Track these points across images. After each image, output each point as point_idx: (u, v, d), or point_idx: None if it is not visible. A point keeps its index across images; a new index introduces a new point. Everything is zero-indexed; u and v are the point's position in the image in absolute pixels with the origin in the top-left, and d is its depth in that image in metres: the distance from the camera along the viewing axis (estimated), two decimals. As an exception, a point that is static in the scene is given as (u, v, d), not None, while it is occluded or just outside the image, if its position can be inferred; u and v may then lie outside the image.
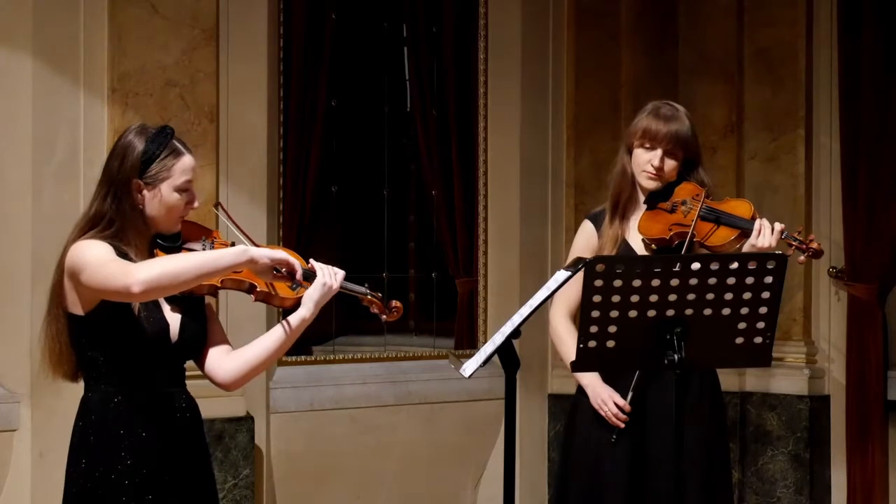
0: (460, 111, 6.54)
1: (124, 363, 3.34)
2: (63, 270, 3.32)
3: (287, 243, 5.77)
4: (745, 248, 4.11)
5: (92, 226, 3.33)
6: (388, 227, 6.54)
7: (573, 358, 3.78)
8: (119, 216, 3.31)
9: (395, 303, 3.54)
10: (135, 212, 3.33)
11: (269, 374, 5.73)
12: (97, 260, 3.22)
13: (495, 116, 6.52)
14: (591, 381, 4.25)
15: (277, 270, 3.33)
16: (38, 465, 5.11)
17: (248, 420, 5.50)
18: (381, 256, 6.52)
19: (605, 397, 4.21)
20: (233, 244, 3.45)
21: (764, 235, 4.08)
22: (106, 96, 5.18)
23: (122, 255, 3.29)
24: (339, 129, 6.35)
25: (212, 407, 5.21)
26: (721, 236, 4.16)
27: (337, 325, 6.47)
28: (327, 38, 6.11)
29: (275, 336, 3.41)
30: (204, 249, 3.42)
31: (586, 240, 4.38)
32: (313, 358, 6.13)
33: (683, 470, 3.90)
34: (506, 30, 6.51)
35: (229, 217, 3.53)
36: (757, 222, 4.11)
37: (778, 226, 4.11)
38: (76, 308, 3.32)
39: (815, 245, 4.12)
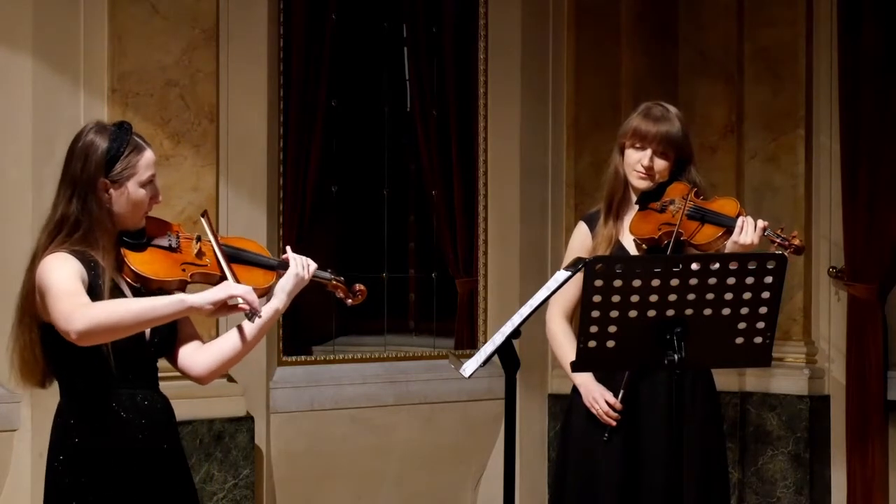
0: (460, 111, 6.54)
1: (102, 366, 3.30)
2: (34, 280, 3.29)
3: (287, 243, 5.75)
4: (728, 245, 4.12)
5: (59, 230, 3.30)
6: (388, 227, 6.54)
7: (568, 360, 3.81)
8: (86, 217, 3.28)
9: (358, 286, 3.54)
10: (102, 211, 3.30)
11: (269, 374, 5.74)
12: (56, 290, 3.20)
13: (495, 116, 6.52)
14: (585, 381, 4.27)
15: (230, 305, 3.29)
16: (38, 465, 5.11)
17: (248, 420, 5.50)
18: (381, 256, 6.52)
19: (595, 395, 4.23)
20: (198, 238, 3.42)
21: (746, 232, 4.10)
22: (106, 96, 5.18)
23: (90, 262, 3.27)
24: (339, 129, 6.35)
25: (212, 407, 5.23)
26: (707, 234, 4.17)
27: (337, 325, 6.47)
28: (327, 38, 6.11)
29: (247, 328, 3.38)
30: (170, 245, 3.39)
31: (581, 241, 4.40)
32: (313, 358, 6.13)
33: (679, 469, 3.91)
34: (506, 30, 6.51)
35: (211, 229, 3.47)
36: (740, 219, 4.13)
37: (760, 223, 4.12)
38: (49, 316, 3.27)
39: (797, 241, 4.13)
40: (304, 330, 6.30)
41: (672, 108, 4.36)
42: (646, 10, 6.67)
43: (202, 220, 3.48)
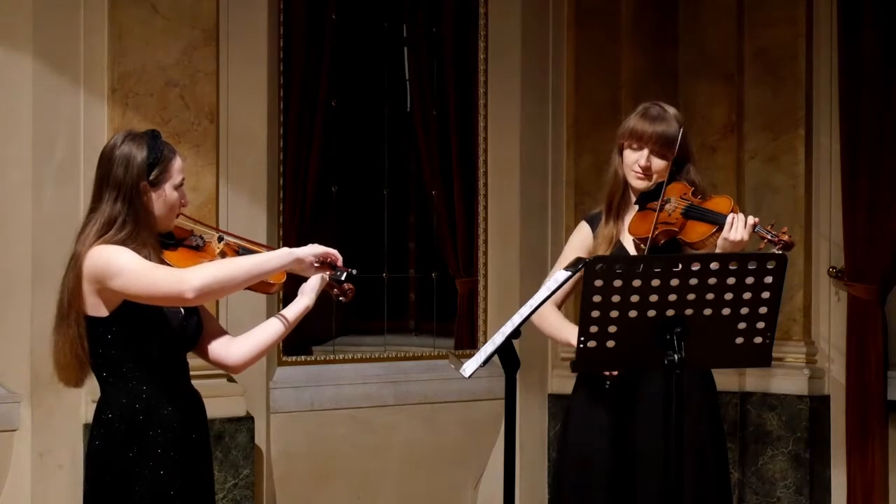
0: (460, 111, 6.54)
1: (155, 358, 3.49)
2: (81, 275, 3.43)
3: (287, 243, 5.77)
4: (719, 242, 4.12)
5: (107, 229, 3.45)
6: (388, 227, 6.54)
7: (564, 328, 3.99)
8: (131, 217, 3.46)
9: (347, 285, 3.64)
10: (147, 212, 3.48)
11: (269, 374, 5.74)
12: (136, 267, 3.37)
13: (495, 116, 6.52)
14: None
15: (321, 263, 3.56)
16: (38, 465, 5.11)
17: (248, 420, 5.50)
18: (381, 256, 6.52)
19: None
20: (220, 238, 3.63)
21: (736, 229, 4.11)
22: (106, 96, 5.18)
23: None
24: (339, 129, 6.35)
25: (212, 407, 5.20)
26: (700, 232, 4.18)
27: (337, 325, 6.47)
28: (327, 38, 6.11)
29: (279, 323, 3.60)
30: (197, 246, 3.59)
31: (581, 240, 4.41)
32: (313, 358, 6.13)
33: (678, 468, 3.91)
34: (506, 30, 6.51)
35: (191, 218, 3.69)
36: (730, 216, 4.13)
37: (751, 219, 4.13)
38: (98, 310, 3.44)
39: (786, 238, 4.13)
40: (304, 330, 6.27)
41: (670, 108, 4.36)
42: (646, 10, 6.66)
43: (178, 220, 3.63)
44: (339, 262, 3.57)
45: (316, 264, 3.54)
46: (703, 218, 4.19)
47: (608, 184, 4.40)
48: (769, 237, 4.13)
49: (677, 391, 3.56)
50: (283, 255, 3.50)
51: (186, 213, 3.65)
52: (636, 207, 4.33)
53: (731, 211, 4.18)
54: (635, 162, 4.29)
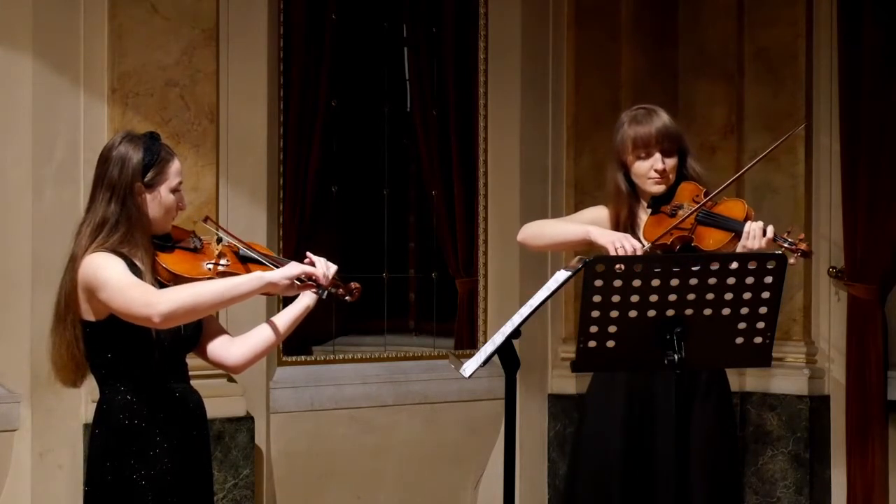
0: (460, 111, 6.54)
1: (144, 361, 3.48)
2: (76, 280, 3.44)
3: (287, 243, 5.77)
4: (737, 250, 4.12)
5: (100, 230, 3.46)
6: (388, 227, 6.54)
7: (562, 227, 4.05)
8: (124, 218, 3.46)
9: (353, 284, 3.62)
10: (140, 213, 3.48)
11: (269, 374, 5.74)
12: (117, 283, 3.37)
13: (495, 116, 6.52)
14: (600, 231, 4.24)
15: (301, 281, 3.51)
16: (38, 465, 5.11)
17: (248, 420, 5.50)
18: (381, 256, 6.52)
19: (619, 237, 4.19)
20: (218, 240, 3.61)
21: (754, 238, 4.10)
22: (106, 96, 5.18)
23: (131, 264, 3.44)
24: (339, 129, 6.35)
25: (212, 407, 5.20)
26: (716, 239, 4.18)
27: (337, 325, 6.47)
28: (327, 38, 6.11)
29: (280, 323, 3.58)
30: (195, 247, 3.58)
31: (593, 218, 4.38)
32: (313, 358, 6.13)
33: (689, 467, 3.92)
34: (506, 30, 6.51)
35: (221, 227, 3.70)
36: (747, 225, 4.13)
37: (769, 230, 4.12)
38: (90, 315, 3.46)
39: (804, 246, 4.14)
40: (304, 330, 6.27)
41: (651, 105, 4.35)
42: (646, 10, 6.66)
43: (207, 224, 3.66)
44: (321, 279, 3.52)
45: (297, 283, 3.51)
46: (718, 225, 4.18)
47: (612, 203, 4.35)
48: (787, 245, 4.13)
49: (678, 391, 3.55)
50: (255, 280, 3.46)
51: (182, 216, 3.65)
52: (647, 212, 4.31)
53: (746, 216, 4.17)
54: (650, 168, 4.26)
